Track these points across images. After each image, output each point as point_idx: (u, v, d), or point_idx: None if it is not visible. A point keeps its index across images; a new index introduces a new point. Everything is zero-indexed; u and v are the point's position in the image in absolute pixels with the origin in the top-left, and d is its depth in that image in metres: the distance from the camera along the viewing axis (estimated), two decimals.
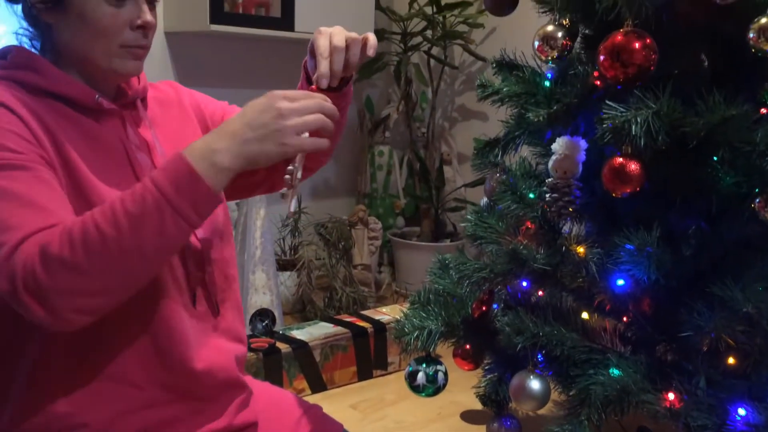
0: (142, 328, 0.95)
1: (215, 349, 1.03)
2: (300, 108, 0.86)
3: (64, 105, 0.93)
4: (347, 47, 0.98)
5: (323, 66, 0.96)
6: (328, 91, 1.00)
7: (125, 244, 0.81)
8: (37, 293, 0.80)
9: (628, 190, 1.21)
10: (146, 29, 0.95)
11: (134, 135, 0.99)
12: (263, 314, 2.39)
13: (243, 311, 1.12)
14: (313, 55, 0.98)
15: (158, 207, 0.82)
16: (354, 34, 0.98)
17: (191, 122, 1.10)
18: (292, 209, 0.93)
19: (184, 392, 0.98)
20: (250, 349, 2.13)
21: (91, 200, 0.90)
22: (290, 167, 0.93)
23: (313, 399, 2.21)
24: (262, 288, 2.45)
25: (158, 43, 2.74)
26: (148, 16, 0.95)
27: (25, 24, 0.97)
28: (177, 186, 0.82)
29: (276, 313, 2.45)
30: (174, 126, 1.07)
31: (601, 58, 1.20)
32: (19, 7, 0.97)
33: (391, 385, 2.31)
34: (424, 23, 3.29)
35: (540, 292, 1.59)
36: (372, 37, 0.99)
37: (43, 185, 0.86)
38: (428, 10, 3.26)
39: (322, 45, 0.96)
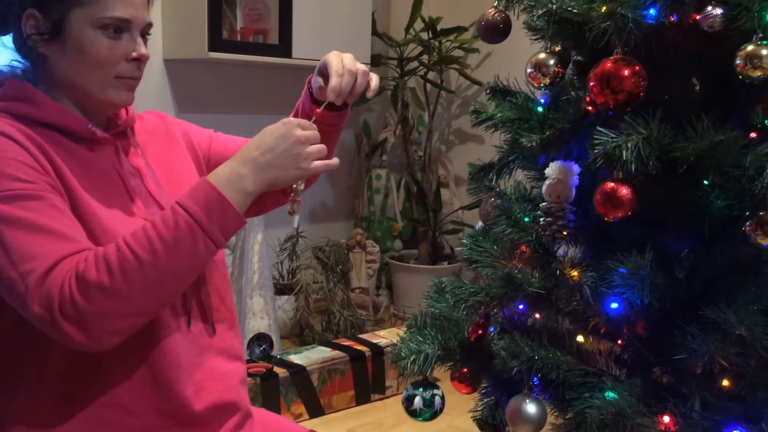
0: (138, 354, 0.96)
1: (209, 371, 1.04)
2: (313, 136, 0.96)
3: (58, 134, 0.96)
4: (356, 75, 1.02)
5: (334, 81, 1.00)
6: (329, 109, 1.04)
7: (161, 268, 0.86)
8: (77, 319, 0.83)
9: (620, 215, 1.23)
10: (141, 62, 0.99)
11: (126, 162, 1.02)
12: (261, 339, 2.39)
13: (240, 330, 1.14)
14: (322, 73, 1.03)
15: (191, 232, 0.88)
16: (364, 67, 1.03)
17: (180, 148, 1.13)
18: (295, 224, 1.04)
19: (177, 417, 0.99)
20: (248, 374, 2.13)
21: (91, 226, 0.92)
22: (293, 186, 1.01)
23: (310, 424, 2.20)
24: (260, 312, 2.45)
25: (157, 70, 2.77)
26: (143, 49, 0.98)
27: (17, 56, 0.99)
28: (208, 211, 0.88)
29: (274, 338, 2.45)
30: (163, 153, 1.10)
31: (591, 84, 1.22)
32: (9, 39, 0.99)
33: (389, 409, 2.31)
34: (420, 48, 3.34)
35: (537, 315, 1.60)
36: (375, 80, 1.04)
37: (58, 212, 0.88)
38: (424, 35, 3.30)
39: (336, 63, 1.01)
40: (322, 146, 0.97)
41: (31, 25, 0.94)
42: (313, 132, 0.96)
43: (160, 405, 0.97)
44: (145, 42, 1.00)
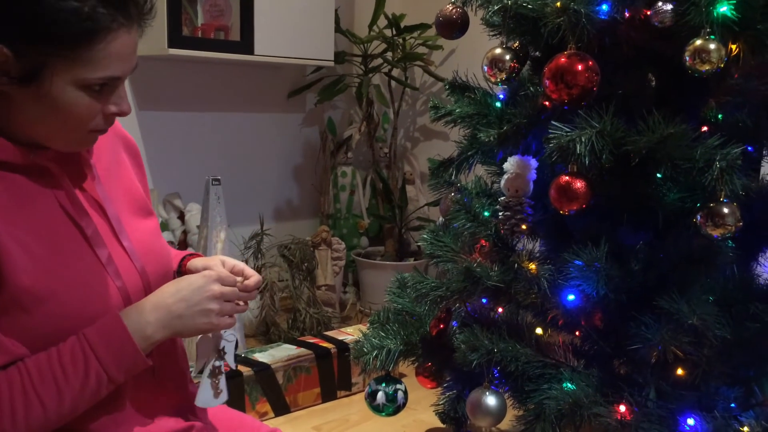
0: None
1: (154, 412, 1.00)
2: (230, 293, 0.95)
3: None
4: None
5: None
6: None
7: (64, 413, 0.86)
8: None
9: (575, 208, 1.25)
10: (119, 116, 0.89)
11: (76, 195, 0.91)
12: None
13: (186, 376, 1.07)
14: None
15: (98, 380, 0.87)
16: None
17: (125, 161, 1.06)
18: (217, 401, 1.00)
19: None
20: None
21: (21, 299, 0.84)
22: (217, 363, 1.00)
23: (276, 422, 2.20)
24: None
25: None
26: (125, 105, 0.88)
27: None
28: (119, 362, 0.88)
29: (238, 336, 2.43)
30: (111, 161, 1.02)
31: (546, 79, 1.24)
32: None
33: (355, 406, 2.31)
34: (384, 45, 3.34)
35: (500, 309, 1.62)
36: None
37: None
38: (388, 32, 3.30)
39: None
40: (241, 305, 0.96)
41: None
42: (231, 289, 0.95)
43: None
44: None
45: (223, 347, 1.00)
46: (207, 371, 1.00)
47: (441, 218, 1.65)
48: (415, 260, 3.34)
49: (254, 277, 1.01)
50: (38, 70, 0.80)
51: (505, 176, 1.44)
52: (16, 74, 0.80)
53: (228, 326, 0.95)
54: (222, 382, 1.00)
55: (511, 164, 1.43)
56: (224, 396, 1.01)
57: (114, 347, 0.87)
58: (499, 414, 1.35)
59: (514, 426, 1.60)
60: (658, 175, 1.33)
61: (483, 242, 1.49)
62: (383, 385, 1.58)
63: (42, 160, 0.88)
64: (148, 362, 0.90)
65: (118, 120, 1.08)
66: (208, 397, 0.99)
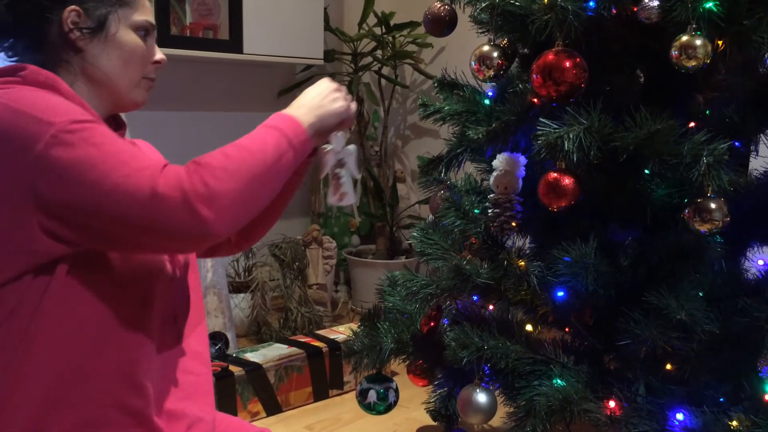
0: (115, 351, 0.95)
1: (174, 374, 1.05)
2: (341, 88, 1.12)
3: None
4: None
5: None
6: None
7: (264, 161, 0.96)
8: (208, 197, 0.88)
9: (564, 204, 1.25)
10: (160, 65, 1.09)
11: None
12: (216, 337, 2.37)
13: (203, 324, 1.16)
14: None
15: (278, 144, 0.98)
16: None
17: None
18: (350, 201, 1.15)
19: (140, 417, 0.97)
20: None
21: None
22: (337, 170, 1.14)
23: (267, 422, 2.19)
24: (214, 311, 2.43)
25: None
26: (162, 54, 1.09)
27: (29, 54, 1.01)
28: (288, 127, 1.01)
29: (229, 336, 2.43)
30: None
31: (534, 76, 1.24)
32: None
33: (347, 405, 2.31)
34: (373, 44, 3.33)
35: (490, 307, 1.62)
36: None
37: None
38: (377, 30, 3.30)
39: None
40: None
41: (72, 20, 0.98)
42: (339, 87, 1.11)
43: (127, 402, 0.96)
44: None
45: (342, 158, 1.14)
46: (331, 175, 1.15)
47: (431, 216, 1.65)
48: (406, 258, 3.34)
49: None
50: (105, 18, 1.01)
51: (495, 173, 1.44)
52: (89, 26, 1.00)
53: (354, 110, 1.11)
54: (345, 187, 1.15)
55: (500, 161, 1.43)
56: (349, 198, 1.15)
57: (280, 119, 1.01)
58: (490, 411, 1.36)
59: (504, 423, 1.60)
60: (646, 171, 1.33)
61: (473, 240, 1.49)
62: (375, 383, 1.58)
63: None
64: (309, 133, 1.03)
65: None
66: (334, 198, 1.16)
